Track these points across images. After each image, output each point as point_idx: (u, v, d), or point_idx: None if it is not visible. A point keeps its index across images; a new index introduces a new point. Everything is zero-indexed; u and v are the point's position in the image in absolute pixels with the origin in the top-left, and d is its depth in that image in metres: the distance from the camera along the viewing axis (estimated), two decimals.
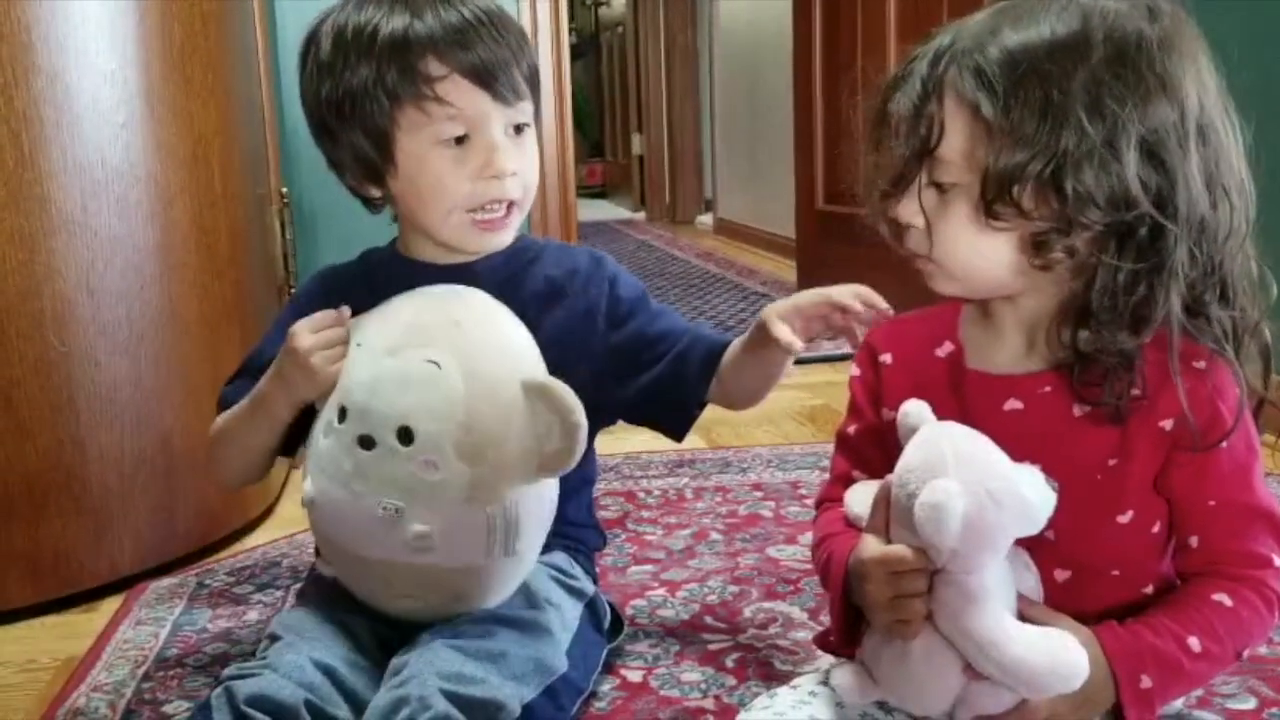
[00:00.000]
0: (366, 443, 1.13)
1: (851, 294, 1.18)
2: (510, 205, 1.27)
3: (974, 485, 0.91)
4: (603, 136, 9.40)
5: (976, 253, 0.98)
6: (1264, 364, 1.02)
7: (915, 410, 1.00)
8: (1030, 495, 0.91)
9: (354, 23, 1.23)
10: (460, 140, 1.23)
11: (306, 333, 1.20)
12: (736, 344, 1.31)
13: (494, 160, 1.23)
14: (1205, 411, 0.96)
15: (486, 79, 1.22)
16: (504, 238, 1.30)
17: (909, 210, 1.00)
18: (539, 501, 1.19)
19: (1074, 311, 0.98)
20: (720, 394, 1.33)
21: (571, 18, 8.70)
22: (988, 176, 0.94)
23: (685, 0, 7.24)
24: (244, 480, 1.34)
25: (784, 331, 1.19)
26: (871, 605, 0.98)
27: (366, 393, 1.14)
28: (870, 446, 1.10)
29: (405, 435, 1.12)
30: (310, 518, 1.22)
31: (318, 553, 1.31)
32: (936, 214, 0.99)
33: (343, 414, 1.16)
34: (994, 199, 0.94)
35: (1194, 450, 0.97)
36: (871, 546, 0.97)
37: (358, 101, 1.23)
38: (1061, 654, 0.91)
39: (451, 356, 1.14)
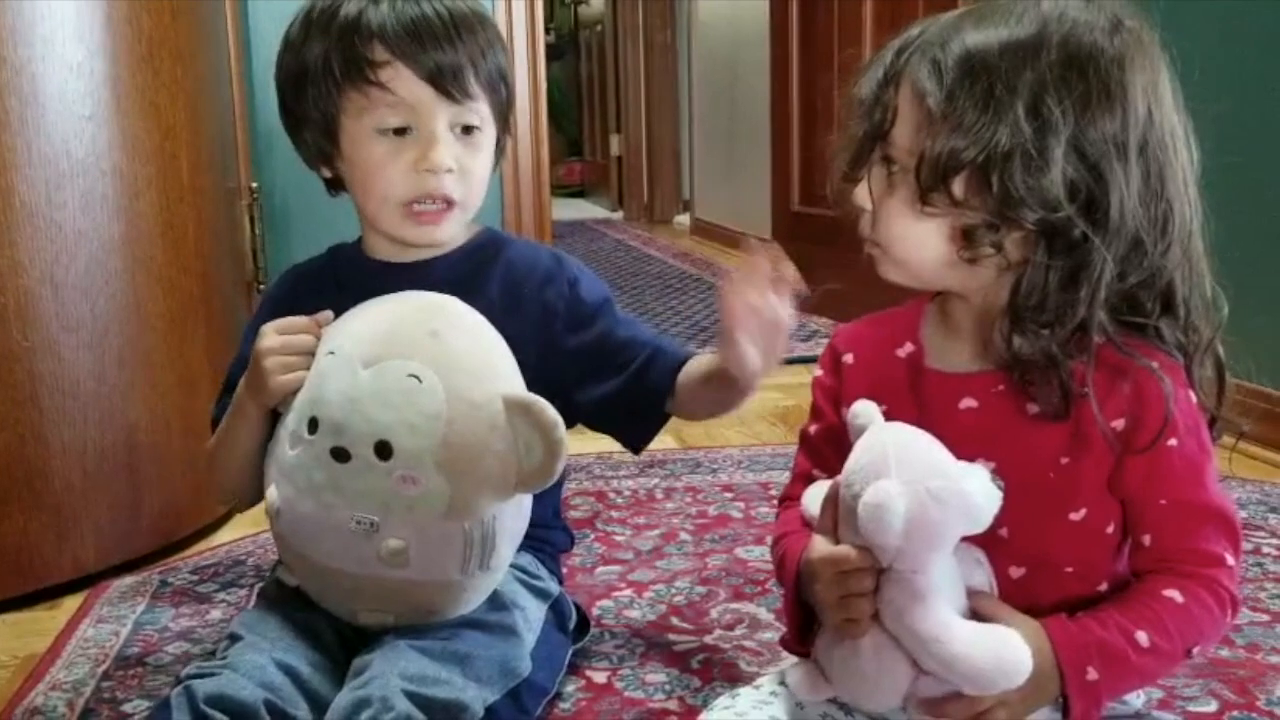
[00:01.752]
0: (341, 455, 1.11)
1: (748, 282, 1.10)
2: (449, 202, 1.26)
3: (915, 485, 0.92)
4: (581, 135, 9.39)
5: (911, 239, 1.00)
6: (1218, 380, 1.03)
7: (864, 411, 1.01)
8: (974, 493, 0.91)
9: (322, 3, 1.25)
10: (400, 132, 1.23)
11: (273, 334, 1.19)
12: (696, 366, 1.29)
13: (430, 154, 1.22)
14: (1154, 409, 0.97)
15: (432, 73, 1.21)
16: (440, 233, 1.28)
17: (860, 193, 1.03)
18: (515, 516, 1.18)
19: (1010, 310, 0.99)
20: (677, 408, 1.32)
21: (550, 16, 8.70)
22: (923, 161, 0.96)
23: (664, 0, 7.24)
24: (239, 495, 1.30)
25: (751, 357, 1.11)
26: (820, 604, 0.99)
27: (342, 405, 1.12)
28: (829, 447, 1.10)
29: (383, 450, 1.10)
30: (274, 527, 1.20)
31: (275, 573, 1.29)
32: (882, 197, 1.02)
33: (314, 425, 1.13)
34: (928, 186, 0.96)
35: (1143, 450, 0.98)
36: (819, 546, 0.99)
37: (310, 79, 1.24)
38: (1004, 650, 0.92)
39: (432, 370, 1.12)
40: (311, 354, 1.18)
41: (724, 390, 1.22)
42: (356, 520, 1.10)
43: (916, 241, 1.00)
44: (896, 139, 1.00)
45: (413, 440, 1.10)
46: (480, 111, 1.26)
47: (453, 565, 1.13)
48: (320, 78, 1.24)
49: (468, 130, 1.25)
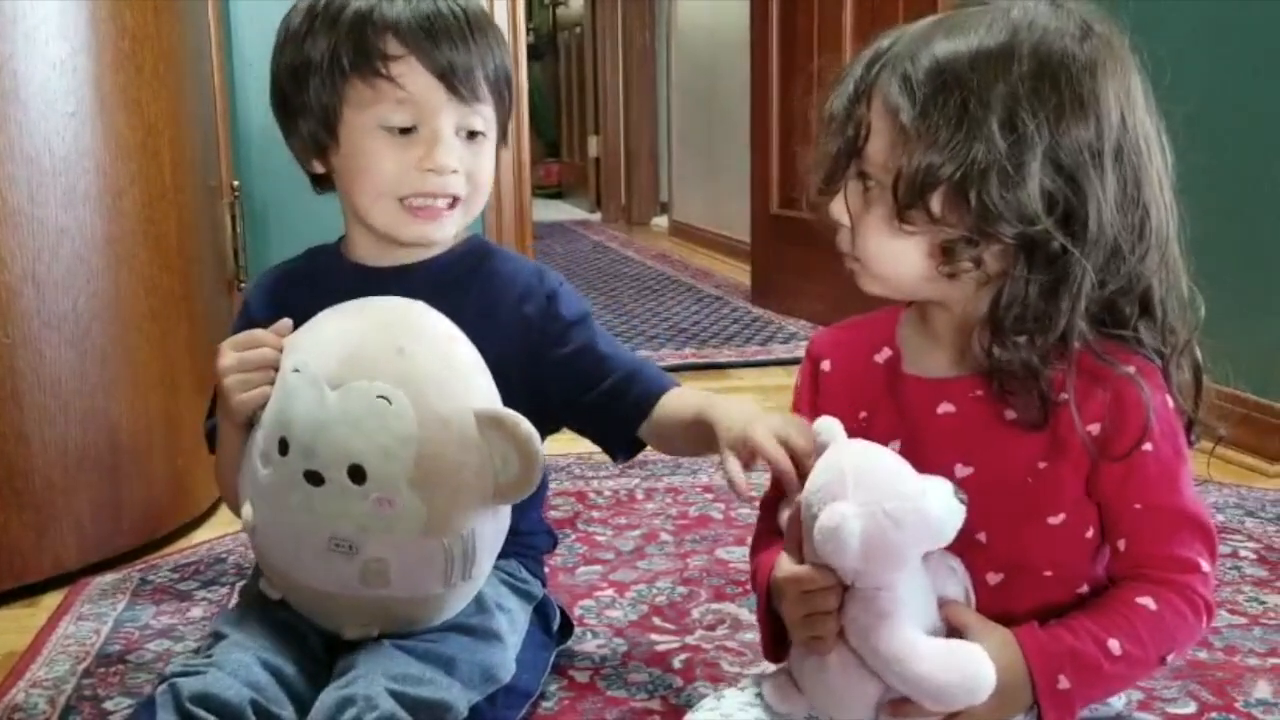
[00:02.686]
0: (314, 479, 1.10)
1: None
2: (454, 200, 1.24)
3: (872, 506, 0.91)
4: (559, 137, 9.39)
5: (889, 255, 1.01)
6: (1195, 382, 1.04)
7: (825, 428, 1.00)
8: (933, 511, 0.91)
9: None
10: (406, 131, 1.20)
11: (229, 351, 1.17)
12: (680, 406, 1.25)
13: (435, 154, 1.20)
14: (1133, 416, 0.98)
15: (444, 70, 1.19)
16: (437, 231, 1.25)
17: (837, 208, 1.03)
18: (495, 527, 1.17)
19: (990, 322, 0.99)
20: (655, 439, 1.30)
21: (529, 17, 8.68)
22: (900, 179, 0.96)
23: (643, 1, 7.24)
24: None
25: (735, 471, 1.08)
26: (787, 621, 0.99)
27: (311, 429, 1.10)
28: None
29: (357, 474, 1.09)
30: (253, 543, 1.19)
31: (257, 572, 1.28)
32: (859, 213, 1.02)
33: (284, 446, 1.12)
34: (906, 203, 0.96)
35: (1120, 456, 0.98)
36: (784, 565, 0.99)
37: (313, 71, 1.22)
38: (968, 668, 0.92)
39: (400, 389, 1.10)
40: (273, 367, 1.16)
41: (701, 444, 1.21)
42: (335, 542, 1.10)
43: (895, 257, 1.00)
44: (871, 155, 0.99)
45: (386, 464, 1.09)
46: (485, 115, 1.24)
47: (434, 580, 1.13)
48: (326, 68, 1.21)
49: (472, 135, 1.23)
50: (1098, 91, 0.96)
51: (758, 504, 1.20)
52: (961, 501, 0.92)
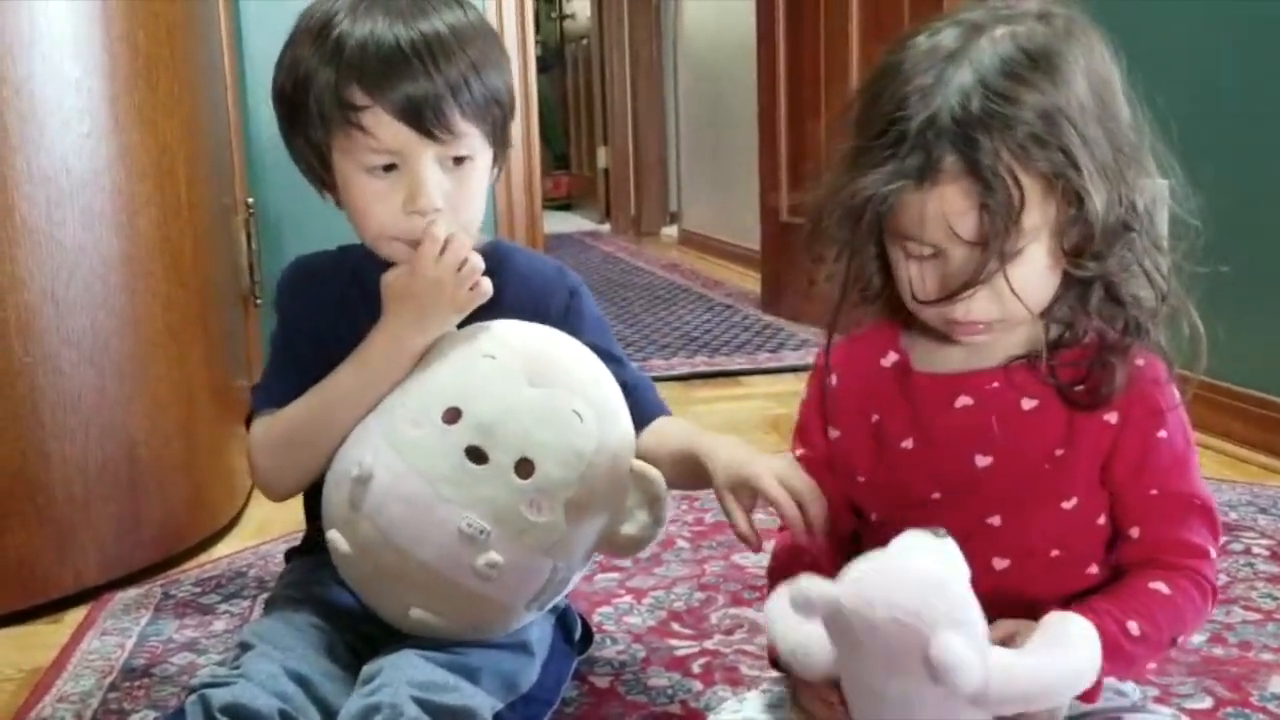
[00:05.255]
0: (477, 456, 1.12)
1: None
2: None
3: (937, 629, 0.84)
4: (568, 149, 9.41)
5: (1045, 292, 1.01)
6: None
7: (802, 603, 0.90)
8: (934, 594, 0.85)
9: (319, 13, 1.20)
10: (389, 167, 1.18)
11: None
12: (669, 436, 1.23)
13: (417, 197, 1.16)
14: (1147, 404, 1.01)
15: (410, 113, 1.15)
16: None
17: (981, 308, 0.99)
18: (582, 572, 1.23)
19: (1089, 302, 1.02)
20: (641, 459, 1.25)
21: (536, 30, 8.70)
22: (1072, 226, 0.96)
23: (650, 12, 7.25)
24: (311, 477, 1.25)
25: (741, 520, 1.08)
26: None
27: (497, 411, 1.13)
28: (821, 471, 1.09)
29: (524, 468, 1.12)
30: (351, 492, 1.15)
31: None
32: (1018, 273, 0.97)
33: (454, 415, 1.13)
34: (1103, 245, 0.97)
35: (1134, 442, 1.01)
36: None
37: (300, 104, 1.20)
38: (1075, 654, 0.90)
39: (593, 414, 1.15)
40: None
41: (689, 477, 1.19)
42: (468, 523, 1.11)
43: (1048, 291, 1.01)
44: (1025, 225, 0.95)
45: (558, 471, 1.12)
46: (469, 141, 1.19)
47: (527, 597, 1.16)
48: (308, 110, 1.19)
49: (459, 160, 1.20)
50: (1111, 84, 1.00)
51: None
52: (939, 536, 0.89)
